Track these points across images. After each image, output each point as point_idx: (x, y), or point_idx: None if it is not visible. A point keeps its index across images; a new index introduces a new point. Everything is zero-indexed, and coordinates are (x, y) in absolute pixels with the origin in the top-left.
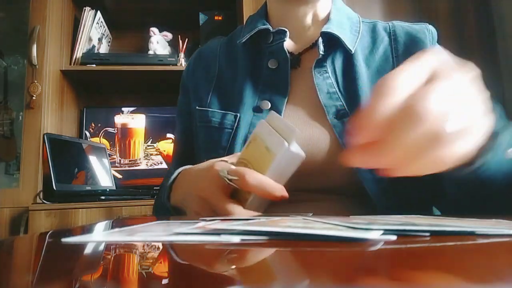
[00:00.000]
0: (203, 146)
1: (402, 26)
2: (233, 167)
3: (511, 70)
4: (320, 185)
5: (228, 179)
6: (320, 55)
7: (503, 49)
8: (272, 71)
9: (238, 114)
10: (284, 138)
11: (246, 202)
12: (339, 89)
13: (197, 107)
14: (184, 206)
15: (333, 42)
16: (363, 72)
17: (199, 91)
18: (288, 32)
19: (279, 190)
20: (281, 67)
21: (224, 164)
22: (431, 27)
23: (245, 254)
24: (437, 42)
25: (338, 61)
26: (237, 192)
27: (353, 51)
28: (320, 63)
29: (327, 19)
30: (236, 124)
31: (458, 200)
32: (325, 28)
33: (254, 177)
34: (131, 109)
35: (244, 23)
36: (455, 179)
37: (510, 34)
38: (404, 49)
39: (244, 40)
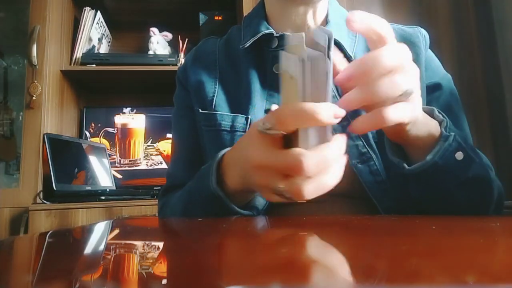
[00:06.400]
0: (211, 151)
1: (395, 29)
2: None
3: (511, 70)
4: None
5: (266, 129)
6: None
7: (503, 49)
8: (277, 75)
9: (249, 116)
10: (296, 53)
11: (300, 145)
12: (338, 93)
13: (200, 110)
14: (248, 185)
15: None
16: None
17: (201, 92)
18: None
19: (324, 107)
20: None
21: (259, 120)
22: (423, 31)
23: None
24: (436, 42)
25: None
26: (289, 142)
27: (353, 57)
28: None
29: (325, 21)
30: (248, 126)
31: (420, 201)
32: None
33: (289, 109)
34: (134, 109)
35: (242, 24)
36: (414, 179)
37: (510, 34)
38: None
39: (247, 45)
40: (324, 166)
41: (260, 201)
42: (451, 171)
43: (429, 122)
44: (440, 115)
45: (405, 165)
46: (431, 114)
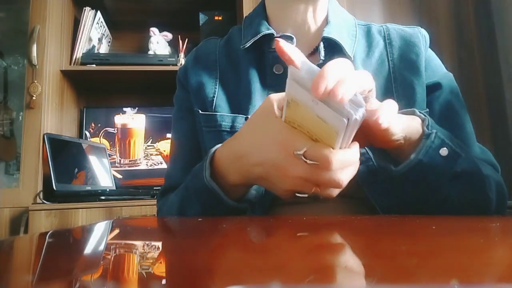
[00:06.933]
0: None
1: (395, 29)
2: (302, 141)
3: (511, 70)
4: None
5: (303, 156)
6: (321, 61)
7: (503, 49)
8: (278, 76)
9: (249, 117)
10: (339, 113)
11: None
12: None
13: (200, 111)
14: (253, 182)
15: (332, 47)
16: None
17: (201, 93)
18: (295, 38)
19: (357, 150)
20: (286, 73)
21: (291, 138)
22: (423, 31)
23: None
24: (436, 42)
25: None
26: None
27: (352, 58)
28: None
29: (326, 21)
30: None
31: (416, 202)
32: (326, 33)
33: (338, 158)
34: (136, 107)
35: (242, 25)
36: (403, 180)
37: (510, 34)
38: (399, 53)
39: (248, 46)
40: (352, 175)
41: (252, 195)
42: (438, 168)
43: (410, 123)
44: (422, 115)
45: (392, 167)
46: (412, 114)
